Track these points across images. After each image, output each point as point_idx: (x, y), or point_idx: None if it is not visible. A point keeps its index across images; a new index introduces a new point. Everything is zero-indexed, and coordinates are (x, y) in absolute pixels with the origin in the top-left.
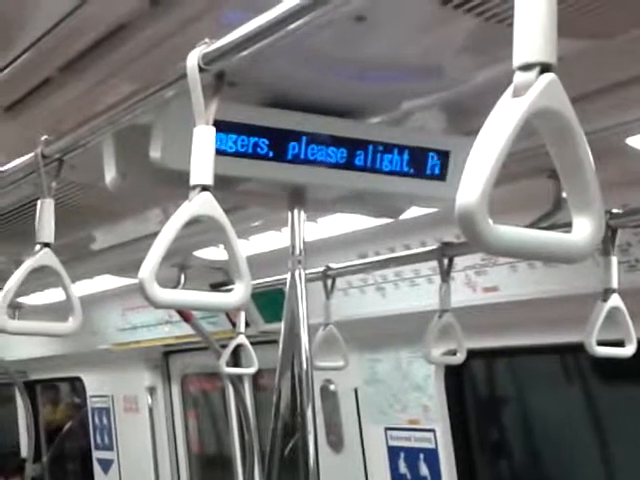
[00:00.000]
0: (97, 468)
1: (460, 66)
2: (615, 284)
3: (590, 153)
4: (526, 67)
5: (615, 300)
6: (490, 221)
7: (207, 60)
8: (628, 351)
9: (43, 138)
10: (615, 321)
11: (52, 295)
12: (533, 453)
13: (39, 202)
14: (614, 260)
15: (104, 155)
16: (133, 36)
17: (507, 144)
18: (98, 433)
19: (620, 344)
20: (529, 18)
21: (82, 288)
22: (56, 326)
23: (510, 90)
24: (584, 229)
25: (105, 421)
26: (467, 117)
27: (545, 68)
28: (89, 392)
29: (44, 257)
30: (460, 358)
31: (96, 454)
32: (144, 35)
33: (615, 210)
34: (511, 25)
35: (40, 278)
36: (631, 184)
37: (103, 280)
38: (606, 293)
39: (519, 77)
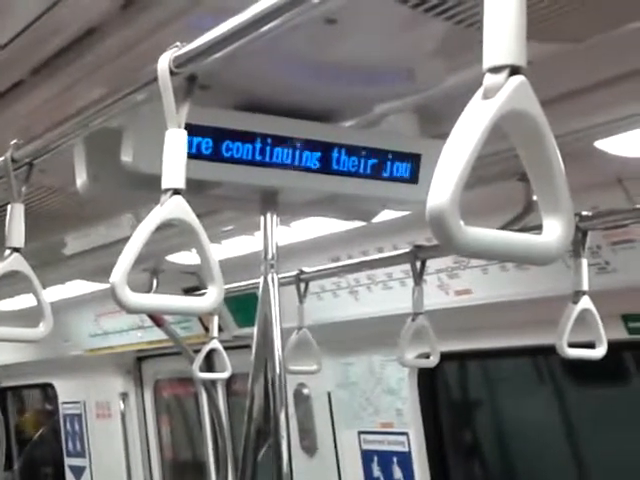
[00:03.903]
0: (69, 475)
1: (431, 69)
2: (585, 286)
3: (560, 155)
4: (495, 69)
5: (586, 302)
6: (461, 223)
7: (178, 63)
8: (599, 353)
9: (13, 142)
10: (586, 323)
11: (23, 301)
12: (506, 455)
13: (9, 207)
14: (584, 262)
15: (75, 159)
16: (104, 39)
17: (477, 146)
18: (70, 440)
19: (591, 346)
20: (498, 20)
21: (53, 294)
22: (26, 332)
23: (480, 92)
24: (554, 231)
25: (77, 428)
26: (438, 120)
27: (515, 70)
28: (61, 398)
29: (14, 262)
30: (434, 361)
31: (68, 461)
32: (115, 38)
33: (585, 212)
34: (480, 29)
35: (10, 284)
36: (600, 187)
37: (75, 285)
38: (577, 295)
39: (489, 79)
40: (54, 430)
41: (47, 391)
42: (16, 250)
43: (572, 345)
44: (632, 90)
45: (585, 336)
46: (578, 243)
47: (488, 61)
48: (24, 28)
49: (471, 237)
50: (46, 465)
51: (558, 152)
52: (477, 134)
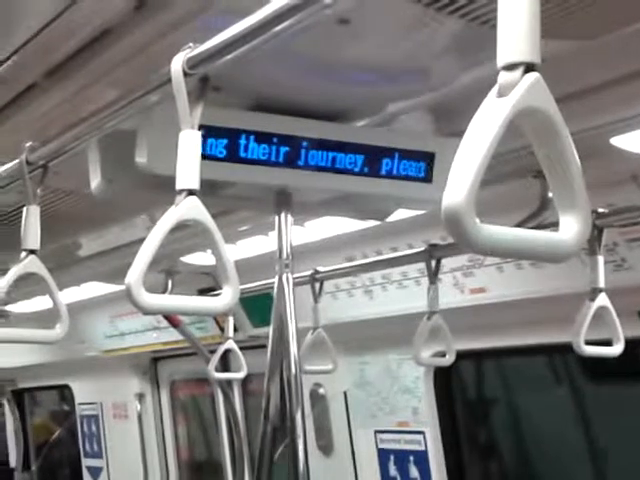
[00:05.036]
0: (87, 476)
1: (445, 68)
2: (602, 283)
3: (575, 152)
4: (510, 67)
5: (602, 299)
6: (477, 221)
7: (192, 64)
8: (616, 350)
9: (28, 144)
10: (603, 320)
11: (39, 303)
12: (523, 454)
13: (24, 209)
14: (601, 259)
15: (89, 161)
16: (118, 41)
17: (493, 144)
18: (87, 441)
19: (608, 343)
20: (513, 18)
21: (69, 295)
22: (43, 333)
23: (495, 90)
24: (571, 228)
25: (94, 428)
26: (453, 119)
27: (529, 67)
28: (78, 400)
29: (30, 264)
30: (449, 360)
31: (85, 462)
32: (129, 40)
33: (601, 210)
34: (495, 26)
35: (27, 286)
36: (616, 184)
37: (90, 287)
38: (593, 292)
39: (503, 77)
40: (71, 431)
41: (64, 392)
42: (32, 252)
43: (589, 342)
44: None
45: (602, 333)
46: (594, 240)
47: (503, 58)
48: (38, 31)
49: (486, 235)
50: (63, 466)
51: (574, 149)
52: (492, 132)
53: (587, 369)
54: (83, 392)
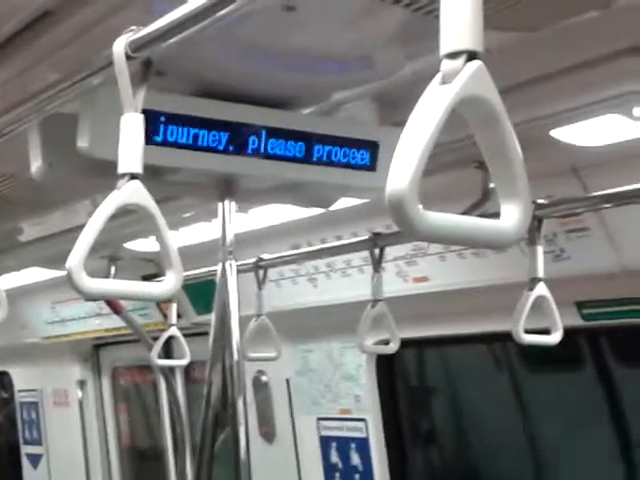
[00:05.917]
0: (26, 463)
1: (389, 57)
2: (541, 273)
3: (517, 141)
4: (453, 55)
5: (541, 289)
6: (420, 207)
7: (134, 47)
8: (554, 339)
9: None
10: (542, 309)
11: None
12: (463, 441)
13: None
14: (540, 250)
15: (30, 144)
16: (59, 23)
17: (435, 131)
18: (27, 428)
19: (547, 332)
20: (455, 6)
21: (9, 280)
22: None
23: (438, 78)
24: (512, 216)
25: (34, 415)
26: (397, 108)
27: (472, 56)
28: (17, 386)
29: None
30: (393, 347)
31: (25, 449)
32: (71, 22)
33: (541, 200)
34: (439, 17)
35: None
36: (556, 175)
37: (31, 272)
38: (532, 282)
39: (446, 65)
40: (10, 418)
41: (2, 379)
42: None
43: (529, 331)
44: (587, 80)
45: (542, 322)
46: (534, 231)
47: (445, 47)
48: None
49: (430, 222)
50: (2, 453)
51: (515, 137)
52: (435, 119)
53: (527, 358)
54: (23, 379)
